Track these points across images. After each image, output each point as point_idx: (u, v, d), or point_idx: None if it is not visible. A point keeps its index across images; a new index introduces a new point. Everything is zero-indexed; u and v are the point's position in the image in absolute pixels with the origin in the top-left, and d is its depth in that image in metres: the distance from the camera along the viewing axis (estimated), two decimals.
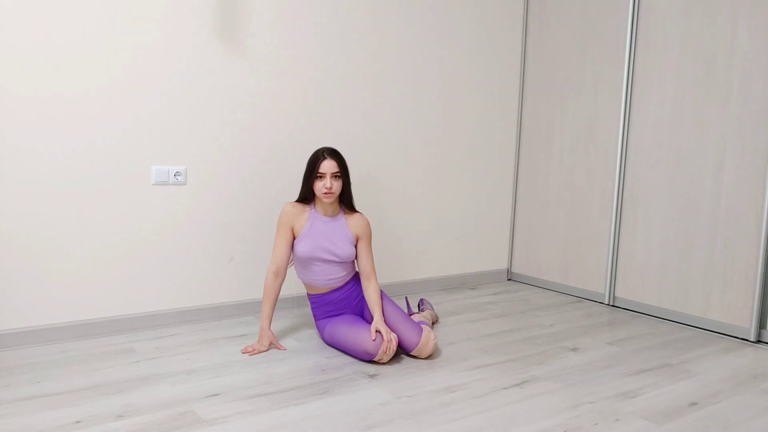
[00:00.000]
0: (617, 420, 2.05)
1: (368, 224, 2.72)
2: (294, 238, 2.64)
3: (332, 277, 2.65)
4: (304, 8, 3.11)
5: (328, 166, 2.56)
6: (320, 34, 3.17)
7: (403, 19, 3.44)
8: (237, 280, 3.09)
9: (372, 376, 2.36)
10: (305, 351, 2.62)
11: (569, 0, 3.66)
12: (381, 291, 2.75)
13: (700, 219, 3.09)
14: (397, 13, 3.41)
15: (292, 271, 3.24)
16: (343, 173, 2.61)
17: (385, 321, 2.59)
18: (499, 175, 3.96)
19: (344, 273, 2.68)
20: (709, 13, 3.02)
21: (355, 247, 2.69)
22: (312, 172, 2.59)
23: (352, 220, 2.69)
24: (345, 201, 2.70)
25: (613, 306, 3.51)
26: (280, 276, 2.63)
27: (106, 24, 2.63)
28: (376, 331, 2.47)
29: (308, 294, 2.75)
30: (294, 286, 3.28)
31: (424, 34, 3.53)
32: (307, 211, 2.66)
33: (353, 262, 2.72)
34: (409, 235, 3.64)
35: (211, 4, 2.86)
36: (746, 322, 2.94)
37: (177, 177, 2.86)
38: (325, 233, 2.62)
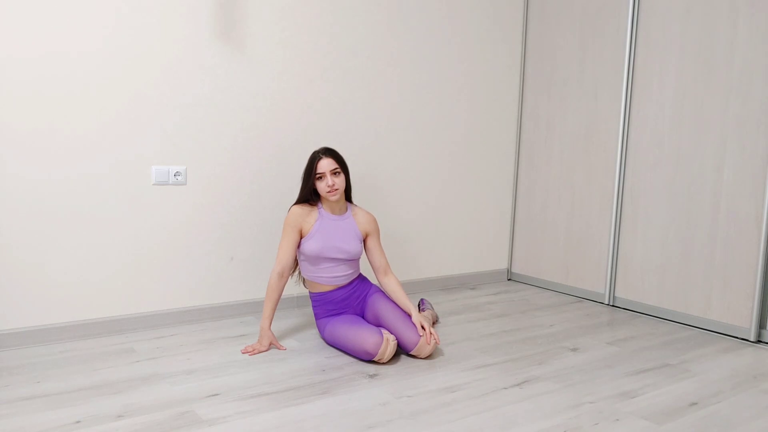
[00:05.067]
0: (617, 420, 2.05)
1: (375, 220, 2.77)
2: (301, 239, 2.65)
3: (339, 274, 2.66)
4: (304, 8, 3.11)
5: (325, 164, 2.58)
6: (320, 34, 3.17)
7: (403, 19, 3.44)
8: (237, 280, 3.09)
9: (372, 376, 2.36)
10: (305, 351, 2.62)
11: (569, 0, 3.66)
12: (380, 291, 2.76)
13: (700, 219, 3.10)
14: (397, 13, 3.41)
15: None
16: (342, 168, 2.62)
17: (384, 321, 2.60)
18: (499, 175, 3.96)
19: (351, 271, 2.70)
20: (709, 13, 3.02)
21: (364, 244, 2.73)
22: (311, 175, 2.60)
23: (360, 217, 2.72)
24: (345, 193, 2.74)
25: (613, 306, 3.51)
26: (285, 277, 2.63)
27: (106, 24, 2.63)
28: (422, 326, 2.55)
29: (310, 293, 2.75)
30: (295, 285, 3.28)
31: (424, 34, 3.53)
32: (315, 211, 2.67)
33: (359, 260, 2.74)
34: (409, 235, 3.64)
35: (210, 4, 2.86)
36: (746, 322, 2.95)
37: (177, 177, 2.86)
38: (334, 231, 2.64)
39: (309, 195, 2.66)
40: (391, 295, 2.70)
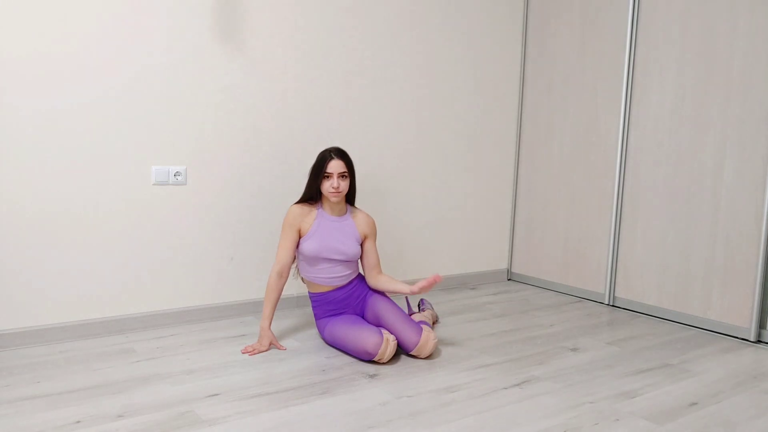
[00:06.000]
0: (617, 420, 2.05)
1: (374, 223, 2.78)
2: (300, 238, 2.65)
3: (336, 275, 2.66)
4: (304, 9, 3.11)
5: (335, 166, 2.58)
6: (320, 35, 3.17)
7: (403, 19, 3.44)
8: (237, 280, 3.09)
9: (372, 376, 2.36)
10: (305, 351, 2.62)
11: (569, 0, 3.66)
12: (381, 291, 2.76)
13: (700, 219, 3.10)
14: (398, 13, 3.41)
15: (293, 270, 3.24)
16: (350, 172, 2.62)
17: (384, 321, 2.60)
18: (499, 175, 3.96)
19: (349, 272, 2.69)
20: (709, 13, 3.02)
21: (361, 245, 2.72)
22: (319, 173, 2.60)
23: (359, 219, 2.72)
24: (349, 198, 2.74)
25: (613, 306, 3.51)
26: (284, 277, 2.63)
27: (106, 24, 2.63)
28: (426, 286, 2.54)
29: (310, 293, 2.75)
30: (295, 285, 3.28)
31: (424, 34, 3.53)
32: (314, 210, 2.67)
33: (357, 261, 2.74)
34: (409, 235, 3.64)
35: (210, 4, 2.86)
36: (746, 322, 2.95)
37: (177, 177, 2.86)
38: (333, 233, 2.64)
39: (314, 193, 2.66)
40: (384, 286, 2.69)
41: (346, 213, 2.72)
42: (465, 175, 3.81)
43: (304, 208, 2.66)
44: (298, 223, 2.64)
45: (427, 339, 2.53)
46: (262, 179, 3.09)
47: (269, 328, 2.63)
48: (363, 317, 2.73)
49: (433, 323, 3.01)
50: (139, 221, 2.80)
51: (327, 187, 2.59)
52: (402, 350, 2.63)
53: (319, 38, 3.17)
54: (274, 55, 3.05)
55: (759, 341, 2.93)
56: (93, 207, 2.69)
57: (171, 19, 2.77)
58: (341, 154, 2.61)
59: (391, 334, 2.53)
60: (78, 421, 1.93)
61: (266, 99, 3.05)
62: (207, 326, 2.92)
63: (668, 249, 3.23)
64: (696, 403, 2.20)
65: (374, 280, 2.73)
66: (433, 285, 2.53)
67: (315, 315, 2.74)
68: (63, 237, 2.63)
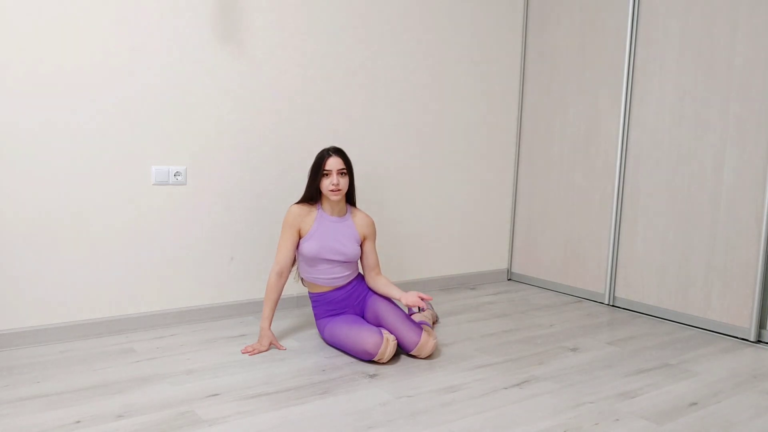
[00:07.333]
0: (617, 420, 2.05)
1: (374, 224, 2.77)
2: (299, 239, 2.65)
3: (336, 275, 2.66)
4: (303, 8, 3.11)
5: (333, 163, 2.58)
6: (320, 35, 3.17)
7: (403, 19, 3.44)
8: (237, 280, 3.09)
9: (372, 376, 2.36)
10: (305, 351, 2.62)
11: (569, 0, 3.66)
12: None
13: (700, 219, 3.10)
14: (397, 13, 3.41)
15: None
16: (348, 170, 2.62)
17: (384, 321, 2.60)
18: (499, 175, 3.96)
19: (348, 272, 2.69)
20: (709, 13, 3.02)
21: (361, 246, 2.71)
22: (318, 171, 2.60)
23: (359, 219, 2.72)
24: (349, 198, 2.74)
25: (613, 306, 3.51)
26: (284, 277, 2.63)
27: (106, 24, 2.63)
28: (416, 301, 2.53)
29: (310, 293, 2.75)
30: (295, 285, 3.28)
31: (424, 35, 3.53)
32: (314, 211, 2.67)
33: (357, 261, 2.74)
34: (409, 235, 3.64)
35: (210, 4, 2.86)
36: (746, 322, 2.95)
37: (177, 177, 2.86)
38: (333, 233, 2.63)
39: (314, 193, 2.65)
40: (381, 288, 2.69)
41: (346, 213, 2.72)
42: (465, 175, 3.81)
43: (304, 209, 2.66)
44: (298, 224, 2.64)
45: (427, 339, 2.53)
46: (263, 179, 3.09)
47: (269, 328, 2.63)
48: (363, 317, 2.73)
49: (433, 323, 3.01)
50: (139, 221, 2.80)
51: (327, 185, 2.59)
52: (402, 350, 2.63)
53: (319, 39, 3.17)
54: (274, 55, 3.05)
55: (759, 341, 2.93)
56: (93, 207, 2.69)
57: (171, 19, 2.77)
58: (339, 152, 2.61)
59: (391, 334, 2.53)
60: (78, 421, 1.93)
61: (267, 99, 3.05)
62: (207, 326, 2.92)
63: (668, 249, 3.23)
64: (696, 403, 2.20)
65: (372, 282, 2.74)
66: (421, 304, 2.53)
67: (315, 315, 2.74)
68: (63, 237, 2.63)
